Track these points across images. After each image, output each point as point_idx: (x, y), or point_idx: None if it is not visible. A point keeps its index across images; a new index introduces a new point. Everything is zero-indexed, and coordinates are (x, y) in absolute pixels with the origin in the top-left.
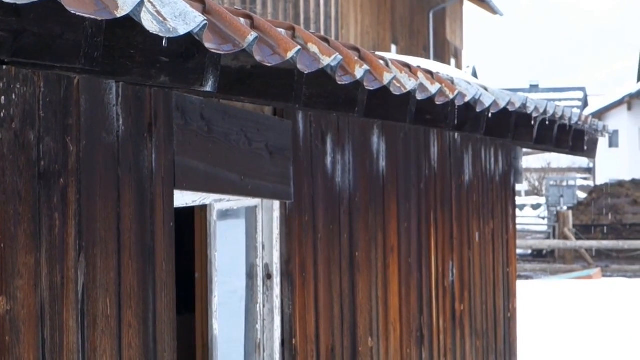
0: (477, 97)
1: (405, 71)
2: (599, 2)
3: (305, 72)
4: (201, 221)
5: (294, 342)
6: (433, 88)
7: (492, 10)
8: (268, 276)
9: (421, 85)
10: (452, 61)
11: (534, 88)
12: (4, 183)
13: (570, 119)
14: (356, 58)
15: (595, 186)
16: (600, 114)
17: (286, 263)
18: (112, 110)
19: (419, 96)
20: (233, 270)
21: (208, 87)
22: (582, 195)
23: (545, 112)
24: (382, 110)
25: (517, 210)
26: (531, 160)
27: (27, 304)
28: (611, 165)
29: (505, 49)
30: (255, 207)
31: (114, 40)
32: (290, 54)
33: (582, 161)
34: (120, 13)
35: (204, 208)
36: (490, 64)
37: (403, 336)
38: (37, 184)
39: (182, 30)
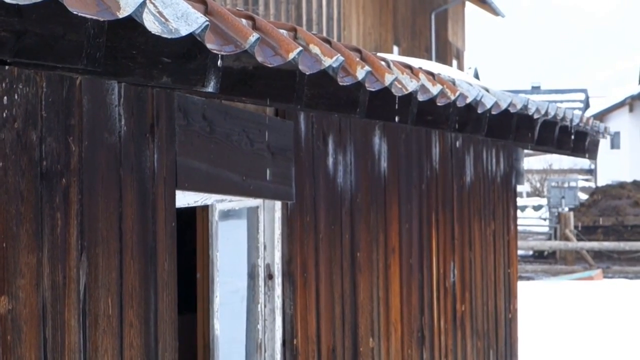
0: (478, 99)
1: (406, 72)
2: (600, 4)
3: (307, 73)
4: (203, 221)
5: (295, 342)
6: (434, 89)
7: (494, 11)
8: (269, 276)
9: (422, 87)
10: (454, 62)
11: (535, 89)
12: (6, 183)
13: (571, 120)
14: (358, 59)
15: (597, 187)
16: (601, 116)
17: (287, 263)
18: (114, 110)
19: (421, 97)
20: (234, 270)
21: (210, 88)
22: (583, 196)
23: (546, 113)
24: (384, 111)
25: (519, 212)
26: (532, 161)
27: (28, 304)
28: (612, 166)
29: (507, 51)
30: (257, 207)
31: (116, 40)
32: (291, 55)
33: (583, 162)
34: (122, 14)
35: (205, 208)
36: (492, 65)
37: (404, 337)
38: (39, 184)
39: (184, 31)
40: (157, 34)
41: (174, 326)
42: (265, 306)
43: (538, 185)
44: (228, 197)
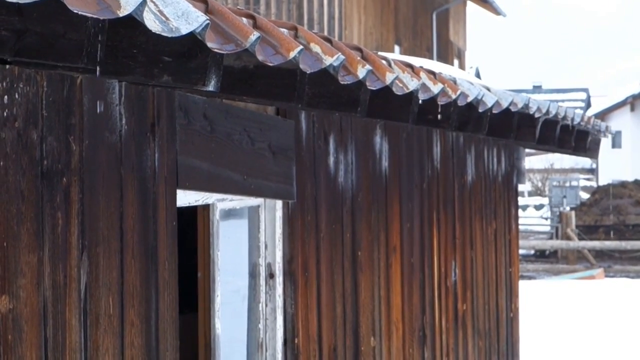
0: (479, 98)
1: (407, 71)
2: (602, 4)
3: (308, 72)
4: (204, 221)
5: (296, 341)
6: (435, 88)
7: (495, 11)
8: (270, 275)
9: (423, 85)
10: (456, 62)
11: (537, 89)
12: (7, 182)
13: (572, 119)
14: (359, 58)
15: (598, 187)
16: (603, 115)
17: (289, 262)
18: (114, 109)
19: (422, 96)
20: (236, 269)
21: (210, 87)
22: (585, 195)
23: (547, 112)
24: (385, 110)
25: (520, 211)
26: (534, 160)
27: (29, 303)
28: (614, 165)
29: (509, 50)
30: (258, 206)
31: (117, 39)
32: (292, 54)
33: (585, 162)
34: (122, 13)
35: (206, 207)
36: (494, 64)
37: (405, 336)
38: (40, 183)
39: (184, 30)
40: (157, 32)
41: (175, 325)
42: (266, 305)
43: (539, 184)
44: (229, 197)
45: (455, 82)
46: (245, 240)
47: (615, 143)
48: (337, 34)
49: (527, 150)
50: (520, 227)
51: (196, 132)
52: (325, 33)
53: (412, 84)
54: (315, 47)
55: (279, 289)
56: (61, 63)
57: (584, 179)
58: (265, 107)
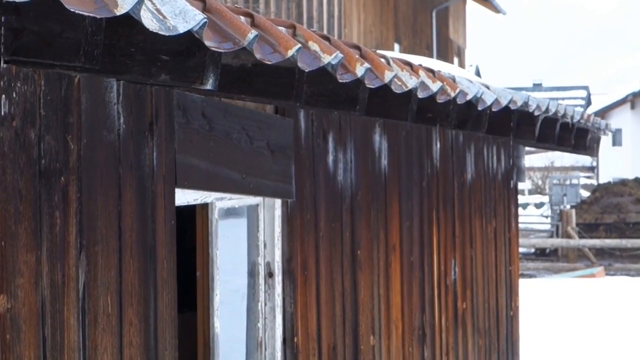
0: (478, 96)
1: (406, 69)
2: (603, 2)
3: (306, 70)
4: (203, 220)
5: (295, 340)
6: (434, 86)
7: (495, 9)
8: (270, 274)
9: (422, 84)
10: (455, 60)
11: (537, 87)
12: (4, 181)
13: (572, 117)
14: (357, 56)
15: (599, 185)
16: (603, 113)
17: (288, 261)
18: (112, 108)
19: (420, 94)
20: (235, 268)
21: (209, 86)
22: (585, 193)
23: (547, 110)
24: (384, 108)
25: (520, 209)
26: (534, 159)
27: (27, 302)
28: (614, 163)
29: (509, 48)
30: (257, 205)
31: (114, 38)
32: (290, 52)
33: (585, 160)
34: (119, 11)
35: (205, 206)
36: (494, 63)
37: (405, 334)
38: (37, 182)
39: (182, 29)
40: (155, 31)
41: (174, 324)
42: (265, 304)
43: (540, 182)
44: (228, 195)
45: (454, 80)
46: (244, 239)
47: (616, 141)
48: (337, 32)
49: (527, 148)
50: (521, 226)
51: (195, 131)
52: (325, 31)
53: (411, 82)
54: (314, 46)
55: (278, 288)
56: (58, 62)
57: (585, 177)
58: (263, 106)
